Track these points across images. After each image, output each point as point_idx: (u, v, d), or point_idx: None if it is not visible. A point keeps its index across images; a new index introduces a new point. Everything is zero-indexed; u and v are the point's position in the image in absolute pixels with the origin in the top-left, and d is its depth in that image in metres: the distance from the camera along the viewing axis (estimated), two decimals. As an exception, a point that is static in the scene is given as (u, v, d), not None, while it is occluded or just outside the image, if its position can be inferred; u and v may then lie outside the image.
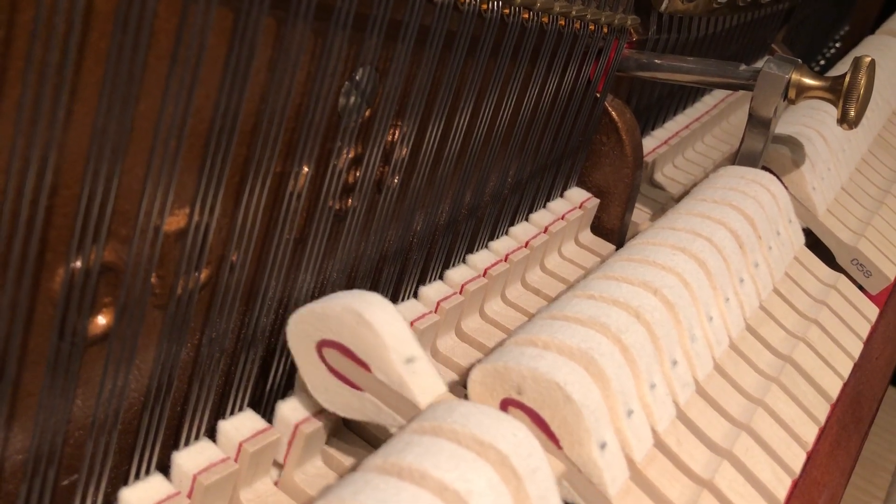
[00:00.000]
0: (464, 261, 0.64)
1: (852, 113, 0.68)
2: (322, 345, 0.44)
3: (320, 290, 0.51)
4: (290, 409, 0.47)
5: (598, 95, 0.72)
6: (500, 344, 0.52)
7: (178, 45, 0.35)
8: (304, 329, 0.45)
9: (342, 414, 0.46)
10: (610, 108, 0.74)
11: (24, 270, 0.33)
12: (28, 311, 0.35)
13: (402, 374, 0.42)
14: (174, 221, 0.40)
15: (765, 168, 0.75)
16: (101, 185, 0.34)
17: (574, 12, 0.61)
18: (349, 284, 0.53)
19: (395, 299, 0.58)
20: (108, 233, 0.36)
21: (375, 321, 0.42)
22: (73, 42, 0.30)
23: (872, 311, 0.74)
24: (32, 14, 0.29)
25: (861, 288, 0.78)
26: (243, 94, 0.38)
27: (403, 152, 0.52)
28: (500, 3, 0.52)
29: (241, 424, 0.46)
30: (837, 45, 1.67)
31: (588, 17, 0.63)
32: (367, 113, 0.48)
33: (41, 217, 0.33)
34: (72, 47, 0.30)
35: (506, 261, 0.65)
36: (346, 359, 0.44)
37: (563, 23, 0.61)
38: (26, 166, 0.31)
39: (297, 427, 0.46)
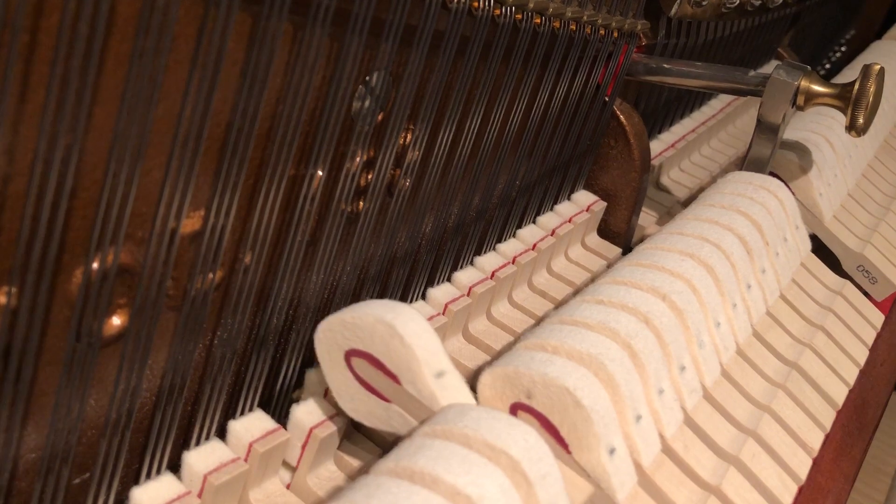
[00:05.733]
0: (472, 263, 0.64)
1: (861, 120, 0.68)
2: (351, 354, 0.44)
3: (331, 292, 0.51)
4: (304, 413, 0.47)
5: (607, 99, 0.72)
6: (509, 347, 0.52)
7: (197, 50, 0.35)
8: (332, 337, 0.45)
9: (367, 423, 0.46)
10: (618, 112, 0.74)
11: (42, 272, 0.33)
12: (45, 312, 0.35)
13: (433, 388, 0.42)
14: (190, 224, 0.41)
15: (772, 174, 0.75)
16: (119, 188, 0.34)
17: (585, 17, 0.61)
18: (359, 286, 0.54)
19: (403, 301, 0.58)
20: (124, 235, 0.36)
21: (408, 333, 0.42)
22: (95, 46, 0.31)
23: (878, 318, 0.74)
24: (57, 19, 0.30)
25: (867, 294, 0.79)
26: (261, 98, 0.39)
27: (415, 156, 0.52)
28: (513, 8, 0.53)
29: (251, 425, 0.46)
30: (843, 49, 1.67)
31: (599, 21, 0.64)
32: (380, 117, 0.48)
33: (61, 219, 0.33)
34: (95, 51, 0.30)
35: (513, 263, 0.65)
36: (374, 369, 0.44)
37: (573, 28, 0.61)
38: (48, 169, 0.32)
39: (311, 431, 0.46)
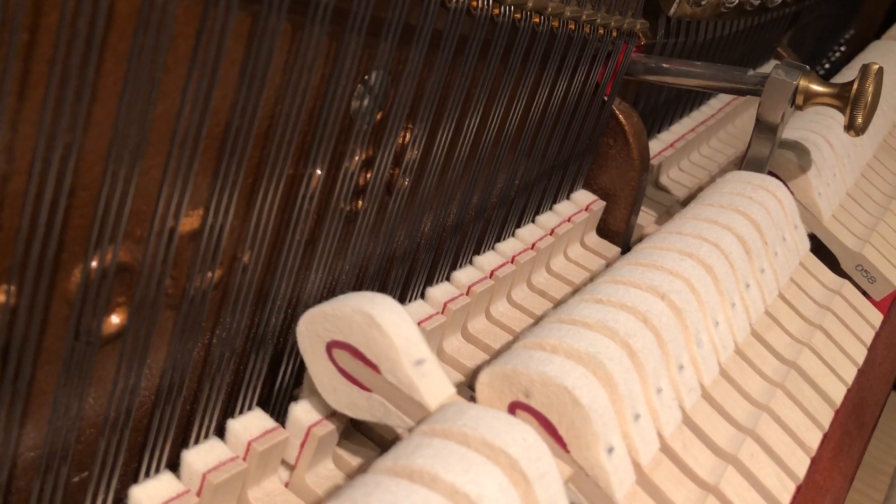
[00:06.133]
0: (471, 262, 0.64)
1: (860, 120, 0.68)
2: (332, 345, 0.45)
3: (330, 291, 0.51)
4: (302, 412, 0.47)
5: (606, 99, 0.72)
6: (508, 346, 0.52)
7: (196, 48, 0.35)
8: (314, 329, 0.45)
9: (350, 414, 0.46)
10: (617, 112, 0.74)
11: (41, 270, 0.33)
12: (44, 311, 0.35)
13: (412, 376, 0.43)
14: (188, 222, 0.41)
15: (771, 173, 0.75)
16: (118, 187, 0.34)
17: (584, 16, 0.61)
18: (358, 285, 0.54)
19: (402, 300, 0.58)
20: (123, 233, 0.36)
21: (385, 323, 0.43)
22: (94, 45, 0.31)
23: (876, 318, 0.74)
24: (56, 17, 0.30)
25: (865, 294, 0.79)
26: (260, 97, 0.39)
27: (414, 155, 0.52)
28: (512, 7, 0.53)
29: (250, 423, 0.46)
30: (842, 48, 1.68)
31: (598, 21, 0.64)
32: (379, 116, 0.49)
33: (60, 218, 0.33)
34: (94, 50, 0.30)
35: (512, 262, 0.66)
36: (355, 360, 0.44)
37: (572, 27, 0.61)
38: (47, 168, 0.32)
39: (309, 429, 0.46)
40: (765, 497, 0.51)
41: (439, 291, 0.60)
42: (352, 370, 0.45)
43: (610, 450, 0.44)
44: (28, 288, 0.33)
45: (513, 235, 0.69)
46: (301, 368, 0.51)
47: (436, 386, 0.43)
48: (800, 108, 0.71)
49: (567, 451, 0.44)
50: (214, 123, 0.39)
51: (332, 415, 0.47)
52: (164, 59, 0.34)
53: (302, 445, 0.47)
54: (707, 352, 0.56)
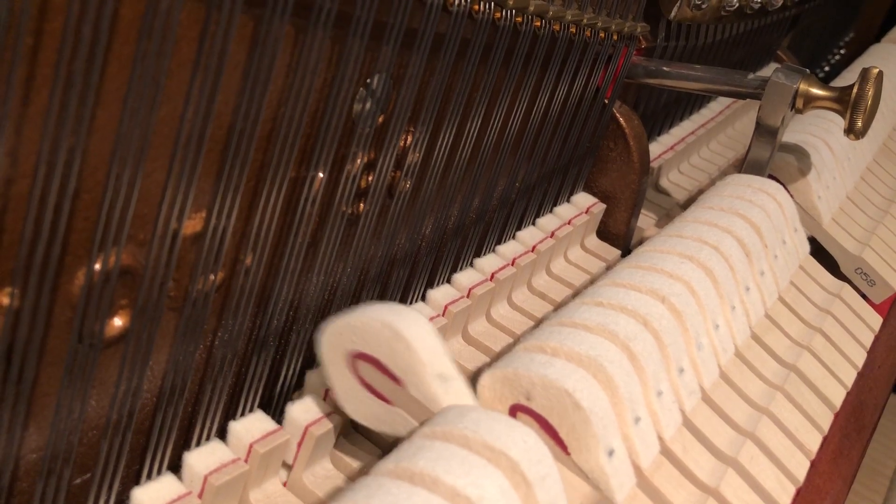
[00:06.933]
0: (471, 265, 0.64)
1: (859, 124, 0.68)
2: (354, 357, 0.44)
3: (331, 294, 0.51)
4: (300, 411, 0.47)
5: (607, 102, 0.72)
6: (509, 349, 0.52)
7: (199, 53, 0.35)
8: (338, 340, 0.45)
9: (369, 426, 0.46)
10: (618, 115, 0.74)
11: (45, 273, 0.33)
12: (47, 313, 0.36)
13: (436, 392, 0.42)
14: (191, 225, 0.41)
15: (771, 176, 0.76)
16: (122, 190, 0.35)
17: (585, 20, 0.62)
18: (359, 288, 0.54)
19: (403, 302, 0.58)
20: (126, 236, 0.36)
21: (412, 337, 0.42)
22: (99, 49, 0.31)
23: (876, 321, 0.74)
24: (60, 22, 0.30)
25: (864, 297, 0.79)
26: (262, 101, 0.39)
27: (415, 157, 0.52)
28: (513, 11, 0.53)
29: (251, 425, 0.46)
30: (842, 51, 1.68)
31: (598, 24, 0.64)
32: (381, 119, 0.49)
33: (64, 221, 0.33)
34: (98, 54, 0.31)
35: (513, 265, 0.66)
36: (378, 372, 0.44)
37: (573, 31, 0.61)
38: (51, 171, 0.32)
39: (307, 429, 0.46)
40: (765, 500, 0.51)
41: (440, 294, 0.60)
42: (375, 382, 0.44)
43: (610, 452, 0.44)
44: (32, 291, 0.33)
45: (513, 238, 0.69)
46: (302, 370, 0.51)
47: (459, 401, 0.43)
48: (800, 111, 0.72)
49: (568, 454, 0.44)
50: (217, 127, 0.39)
51: (329, 414, 0.47)
52: (168, 63, 0.34)
53: (299, 445, 0.47)
54: (707, 355, 0.56)
